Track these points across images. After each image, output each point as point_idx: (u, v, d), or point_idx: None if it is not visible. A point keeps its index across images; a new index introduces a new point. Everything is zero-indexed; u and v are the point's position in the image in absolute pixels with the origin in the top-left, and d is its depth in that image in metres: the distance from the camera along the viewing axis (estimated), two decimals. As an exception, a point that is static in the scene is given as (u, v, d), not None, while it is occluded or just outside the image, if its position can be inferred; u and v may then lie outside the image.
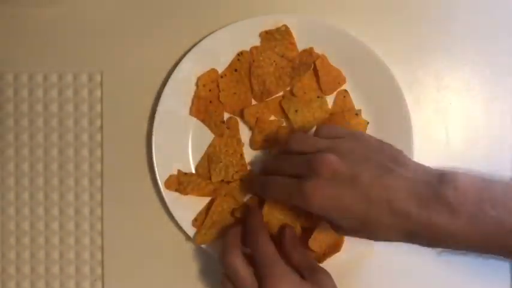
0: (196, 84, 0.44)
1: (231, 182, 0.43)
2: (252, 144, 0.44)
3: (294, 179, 0.36)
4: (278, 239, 0.41)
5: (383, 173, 0.33)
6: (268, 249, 0.37)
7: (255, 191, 0.43)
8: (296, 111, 0.43)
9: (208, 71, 0.43)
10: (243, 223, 0.41)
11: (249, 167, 0.44)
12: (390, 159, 0.35)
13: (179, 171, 0.44)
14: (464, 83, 0.45)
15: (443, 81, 0.45)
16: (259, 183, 0.41)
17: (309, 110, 0.43)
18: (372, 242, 0.36)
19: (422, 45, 0.45)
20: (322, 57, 0.43)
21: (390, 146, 0.36)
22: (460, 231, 0.32)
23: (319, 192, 0.34)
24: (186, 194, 0.43)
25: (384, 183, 0.33)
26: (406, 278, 0.45)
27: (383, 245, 0.36)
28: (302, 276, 0.37)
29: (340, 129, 0.38)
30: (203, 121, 0.44)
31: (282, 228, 0.41)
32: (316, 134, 0.38)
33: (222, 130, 0.44)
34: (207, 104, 0.44)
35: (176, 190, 0.44)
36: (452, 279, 0.45)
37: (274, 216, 0.42)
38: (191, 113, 0.44)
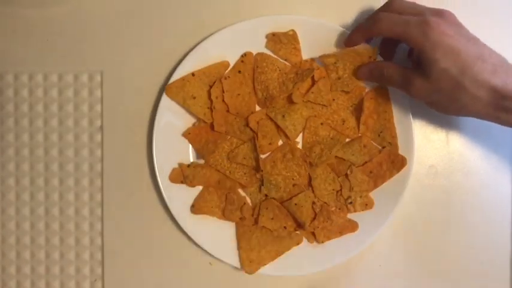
0: (210, 99, 0.43)
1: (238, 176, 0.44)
2: (260, 149, 0.43)
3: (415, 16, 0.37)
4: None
5: (477, 40, 0.37)
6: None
7: (363, 28, 0.41)
8: (283, 116, 0.43)
9: (217, 83, 0.43)
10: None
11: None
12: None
13: (182, 164, 0.44)
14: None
15: (443, 81, 0.45)
16: (370, 19, 0.40)
17: (295, 112, 0.43)
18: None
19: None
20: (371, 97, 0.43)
21: None
22: None
23: (441, 28, 0.36)
24: (193, 185, 0.44)
25: (480, 45, 0.37)
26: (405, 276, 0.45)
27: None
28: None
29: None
30: (227, 132, 0.44)
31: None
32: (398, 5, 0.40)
33: (248, 134, 0.44)
34: (225, 115, 0.44)
35: (182, 182, 0.44)
36: (452, 278, 0.45)
37: (277, 169, 0.43)
38: (216, 128, 0.43)
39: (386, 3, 0.40)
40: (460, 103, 0.37)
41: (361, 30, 0.41)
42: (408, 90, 0.38)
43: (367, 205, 0.43)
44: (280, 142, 0.44)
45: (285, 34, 0.43)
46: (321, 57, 0.43)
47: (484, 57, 0.36)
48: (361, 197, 0.43)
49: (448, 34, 0.36)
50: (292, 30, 0.43)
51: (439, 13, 0.37)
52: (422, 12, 0.37)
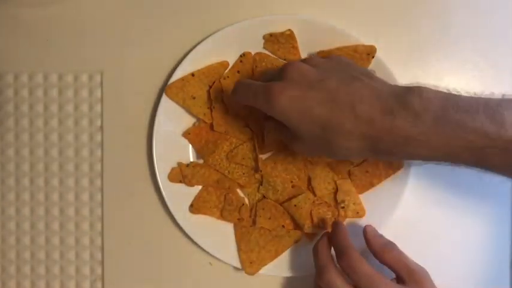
0: (209, 99, 0.43)
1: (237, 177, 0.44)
2: (259, 150, 0.43)
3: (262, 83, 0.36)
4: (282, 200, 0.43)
5: (351, 81, 0.34)
6: (365, 268, 0.35)
7: (231, 97, 0.41)
8: None
9: (216, 83, 0.43)
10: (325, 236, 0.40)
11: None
12: (361, 72, 0.35)
13: (181, 163, 0.44)
14: (464, 84, 0.45)
15: (443, 81, 0.45)
16: (233, 88, 0.40)
17: None
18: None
19: (422, 45, 0.45)
20: None
21: (366, 68, 0.37)
22: (424, 134, 0.32)
23: (284, 92, 0.33)
24: (192, 185, 0.44)
25: (350, 89, 0.33)
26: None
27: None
28: (400, 278, 0.37)
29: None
30: (227, 132, 0.44)
31: (364, 229, 0.40)
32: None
33: (247, 134, 0.44)
34: (225, 115, 0.44)
35: (180, 182, 0.44)
36: (452, 278, 0.45)
37: (277, 171, 0.43)
38: (215, 128, 0.43)
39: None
40: (342, 155, 0.35)
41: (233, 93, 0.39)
42: (292, 149, 0.38)
43: (359, 213, 0.43)
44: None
45: (282, 34, 0.43)
46: (318, 53, 0.43)
47: (341, 101, 0.33)
48: (354, 203, 0.43)
49: (294, 95, 0.33)
50: (289, 30, 0.43)
51: (285, 72, 0.35)
52: (277, 74, 0.36)
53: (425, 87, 0.33)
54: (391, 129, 0.32)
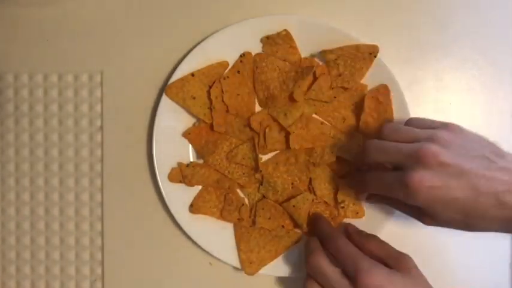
0: (209, 99, 0.43)
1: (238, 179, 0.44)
2: (261, 150, 0.43)
3: (394, 172, 0.36)
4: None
5: (488, 164, 0.33)
6: (349, 248, 0.37)
7: (353, 188, 0.42)
8: (285, 114, 0.43)
9: (216, 83, 0.43)
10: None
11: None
12: (490, 150, 0.35)
13: (181, 163, 0.44)
14: (464, 83, 0.45)
15: (443, 81, 0.45)
16: (356, 181, 0.41)
17: (297, 110, 0.43)
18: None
19: (422, 45, 0.45)
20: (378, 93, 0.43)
21: (484, 137, 0.36)
22: None
23: (426, 183, 0.33)
24: (192, 185, 0.44)
25: (491, 175, 0.33)
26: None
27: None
28: (387, 266, 0.37)
29: (431, 120, 0.38)
30: (227, 132, 0.44)
31: (344, 226, 0.42)
32: (408, 124, 0.38)
33: (247, 134, 0.44)
34: (225, 115, 0.44)
35: (180, 182, 0.44)
36: (452, 278, 0.45)
37: (278, 172, 0.43)
38: (215, 128, 0.43)
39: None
40: (479, 231, 0.35)
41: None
42: (421, 222, 0.37)
43: (358, 213, 0.43)
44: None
45: (279, 35, 0.43)
46: (322, 52, 0.43)
47: (485, 189, 0.32)
48: (354, 204, 0.43)
49: (436, 186, 0.33)
50: (285, 30, 0.43)
51: (421, 158, 0.33)
52: (404, 162, 0.34)
53: None
54: None
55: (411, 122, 0.39)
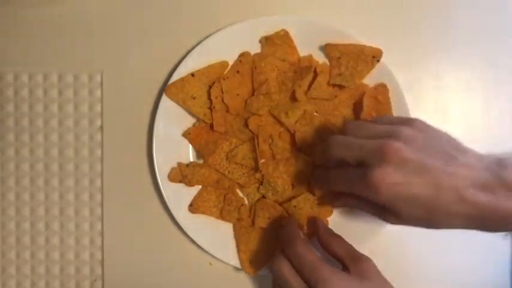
0: (209, 99, 0.43)
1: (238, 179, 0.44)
2: (262, 155, 0.43)
3: (356, 168, 0.35)
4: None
5: (449, 160, 0.33)
6: (309, 256, 0.37)
7: (314, 185, 0.42)
8: (286, 113, 0.43)
9: (216, 83, 0.43)
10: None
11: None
12: (451, 146, 0.35)
13: (181, 163, 0.44)
14: (464, 83, 0.45)
15: (443, 81, 0.45)
16: (318, 177, 0.41)
17: (299, 108, 0.43)
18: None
19: (422, 45, 0.45)
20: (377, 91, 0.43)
21: (446, 133, 0.36)
22: None
23: (388, 179, 0.33)
24: (192, 185, 0.44)
25: (452, 171, 0.33)
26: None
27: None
28: (345, 267, 0.38)
29: (396, 117, 0.38)
30: (227, 132, 0.44)
31: (313, 220, 0.42)
32: (374, 122, 0.38)
33: (247, 134, 0.44)
34: (225, 115, 0.44)
35: (180, 182, 0.44)
36: (451, 277, 0.45)
37: (278, 172, 0.43)
38: (215, 128, 0.43)
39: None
40: (443, 228, 0.35)
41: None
42: (385, 221, 0.37)
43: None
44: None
45: (277, 35, 0.43)
46: (327, 45, 0.43)
47: (446, 185, 0.32)
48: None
49: (398, 182, 0.33)
50: (283, 30, 0.43)
51: (384, 154, 0.33)
52: (366, 159, 0.34)
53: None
54: (495, 210, 0.32)
55: (377, 120, 0.38)
